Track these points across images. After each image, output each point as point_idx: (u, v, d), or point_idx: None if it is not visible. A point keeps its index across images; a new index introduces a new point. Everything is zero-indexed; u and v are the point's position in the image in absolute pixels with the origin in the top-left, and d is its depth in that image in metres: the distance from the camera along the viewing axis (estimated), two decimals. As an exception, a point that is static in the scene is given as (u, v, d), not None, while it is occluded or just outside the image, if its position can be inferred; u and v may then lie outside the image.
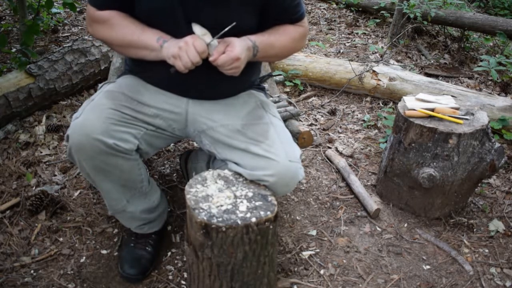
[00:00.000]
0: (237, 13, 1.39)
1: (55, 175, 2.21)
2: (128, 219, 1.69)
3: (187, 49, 1.30)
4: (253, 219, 1.25)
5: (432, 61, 3.96)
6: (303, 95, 3.23)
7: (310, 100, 3.20)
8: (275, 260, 1.47)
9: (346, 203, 2.16)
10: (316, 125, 2.86)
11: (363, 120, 2.93)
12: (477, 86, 3.53)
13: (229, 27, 1.33)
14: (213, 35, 1.35)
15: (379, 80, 3.17)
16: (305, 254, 1.85)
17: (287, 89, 3.27)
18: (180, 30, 1.38)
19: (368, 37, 4.47)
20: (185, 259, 1.78)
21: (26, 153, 2.33)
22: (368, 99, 3.22)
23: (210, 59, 1.34)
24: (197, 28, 1.36)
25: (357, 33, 4.53)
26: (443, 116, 1.93)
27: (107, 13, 1.42)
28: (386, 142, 2.40)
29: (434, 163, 1.93)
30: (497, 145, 1.98)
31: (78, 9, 4.02)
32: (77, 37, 3.52)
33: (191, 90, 1.53)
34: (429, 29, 4.65)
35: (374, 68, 3.22)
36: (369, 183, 2.32)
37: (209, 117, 1.54)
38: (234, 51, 1.33)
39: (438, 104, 2.00)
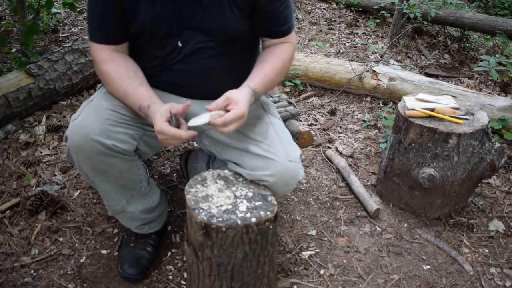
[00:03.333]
0: (230, 19, 1.40)
1: (55, 175, 2.21)
2: (128, 219, 1.69)
3: (164, 138, 1.31)
4: (253, 219, 1.25)
5: (432, 61, 3.96)
6: (303, 95, 3.23)
7: (310, 100, 3.20)
8: (275, 260, 1.47)
9: (346, 203, 2.16)
10: (316, 125, 2.86)
11: (363, 120, 2.93)
12: (477, 86, 3.53)
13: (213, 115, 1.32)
14: (210, 41, 1.39)
15: (379, 80, 3.17)
16: (305, 254, 1.85)
17: (287, 89, 3.27)
18: (175, 39, 1.41)
19: (368, 37, 4.47)
20: (185, 259, 1.78)
21: (26, 153, 2.33)
22: (368, 99, 3.22)
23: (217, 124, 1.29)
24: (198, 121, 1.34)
25: (357, 33, 4.53)
26: (443, 116, 1.93)
27: (103, 58, 1.43)
28: (386, 142, 2.40)
29: (434, 163, 1.93)
30: (497, 145, 1.98)
31: (78, 9, 4.02)
32: (77, 37, 3.52)
33: (190, 90, 1.53)
34: (429, 29, 4.65)
35: (374, 68, 3.22)
36: (369, 183, 2.32)
37: (208, 117, 1.54)
38: (240, 108, 1.30)
39: (438, 104, 2.00)
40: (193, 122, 1.32)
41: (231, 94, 1.34)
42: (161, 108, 1.32)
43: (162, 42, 1.43)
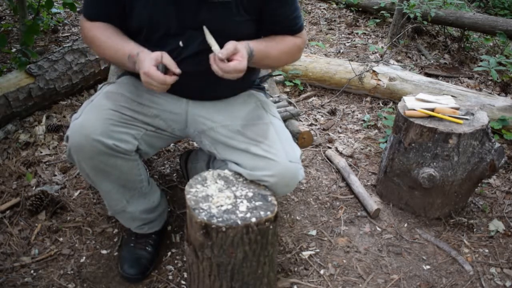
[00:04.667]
0: (236, 21, 1.39)
1: (55, 175, 2.21)
2: (128, 219, 1.69)
3: (150, 81, 1.30)
4: (253, 219, 1.25)
5: (432, 61, 3.96)
6: (303, 95, 3.23)
7: (310, 100, 3.20)
8: (275, 260, 1.47)
9: (346, 203, 2.16)
10: (316, 125, 2.86)
11: (363, 120, 2.93)
12: (477, 86, 3.53)
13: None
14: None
15: (379, 80, 3.17)
16: (305, 254, 1.85)
17: (287, 89, 3.27)
18: (178, 38, 1.39)
19: (368, 37, 4.47)
20: (185, 259, 1.78)
21: (26, 153, 2.33)
22: (368, 99, 3.22)
23: (219, 55, 1.29)
24: (206, 31, 1.36)
25: (357, 33, 4.53)
26: (443, 116, 1.93)
27: (90, 26, 1.44)
28: (386, 142, 2.40)
29: (434, 163, 1.93)
30: (497, 145, 1.98)
31: (78, 9, 4.01)
32: (77, 37, 3.52)
33: (190, 91, 1.53)
34: (429, 29, 4.65)
35: (374, 68, 3.22)
36: (369, 183, 2.32)
37: (209, 117, 1.54)
38: (242, 63, 1.31)
39: (438, 104, 2.00)
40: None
41: (239, 46, 1.33)
42: (151, 54, 1.32)
43: (162, 41, 1.41)
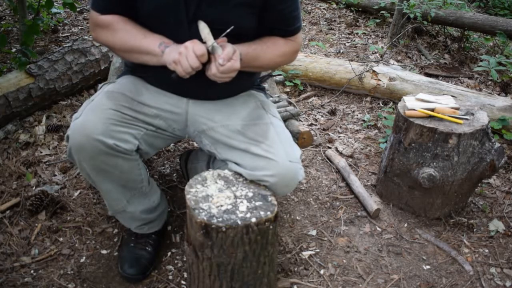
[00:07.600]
0: (237, 13, 1.39)
1: (55, 175, 2.21)
2: (128, 219, 1.69)
3: (187, 54, 1.30)
4: (253, 219, 1.25)
5: (432, 61, 3.96)
6: (303, 95, 3.23)
7: (310, 100, 3.20)
8: (275, 260, 1.47)
9: (346, 203, 2.16)
10: (316, 125, 2.86)
11: (363, 120, 2.93)
12: (477, 86, 3.53)
13: (228, 30, 1.32)
14: (215, 35, 1.35)
15: (379, 80, 3.17)
16: (305, 254, 1.85)
17: (287, 89, 3.27)
18: (183, 30, 1.38)
19: (368, 37, 4.47)
20: (185, 259, 1.78)
21: (26, 153, 2.33)
22: (368, 99, 3.22)
23: (220, 61, 1.30)
24: (202, 25, 1.36)
25: (357, 33, 4.53)
26: (443, 116, 1.93)
27: (110, 18, 1.43)
28: (386, 142, 2.40)
29: (434, 163, 1.93)
30: (497, 145, 1.98)
31: (78, 9, 4.02)
32: (77, 37, 3.52)
33: (191, 91, 1.53)
34: (429, 29, 4.65)
35: (374, 68, 3.22)
36: (369, 183, 2.32)
37: (209, 117, 1.54)
38: (237, 63, 1.32)
39: (438, 104, 2.00)
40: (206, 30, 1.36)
41: (234, 47, 1.34)
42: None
43: (166, 35, 1.41)
